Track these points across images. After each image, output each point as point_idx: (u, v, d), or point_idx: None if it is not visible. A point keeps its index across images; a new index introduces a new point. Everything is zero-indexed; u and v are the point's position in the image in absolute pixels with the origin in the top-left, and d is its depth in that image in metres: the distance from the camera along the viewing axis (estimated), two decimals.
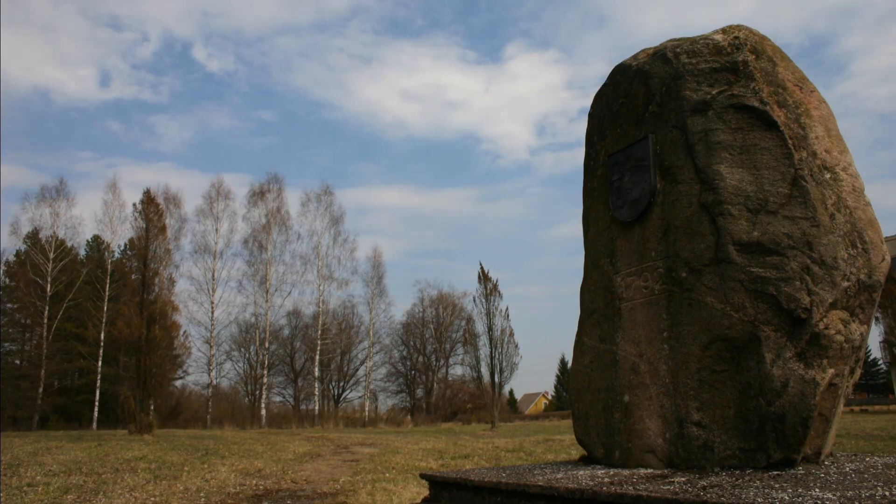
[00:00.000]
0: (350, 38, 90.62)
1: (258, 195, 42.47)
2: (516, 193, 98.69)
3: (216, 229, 40.95)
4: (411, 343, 60.53)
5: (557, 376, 71.44)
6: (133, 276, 39.88)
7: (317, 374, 43.67)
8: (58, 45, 78.27)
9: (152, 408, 33.74)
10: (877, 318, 31.21)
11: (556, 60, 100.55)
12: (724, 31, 4.05)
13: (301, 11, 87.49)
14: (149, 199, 38.90)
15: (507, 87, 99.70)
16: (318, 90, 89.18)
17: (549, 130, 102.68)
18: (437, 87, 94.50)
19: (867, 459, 3.72)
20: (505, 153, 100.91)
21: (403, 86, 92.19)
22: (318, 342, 43.10)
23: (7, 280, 40.80)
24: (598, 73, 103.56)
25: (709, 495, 2.69)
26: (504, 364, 33.74)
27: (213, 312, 40.18)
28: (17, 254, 41.14)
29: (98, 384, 35.55)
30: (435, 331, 60.35)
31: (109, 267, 38.11)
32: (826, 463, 3.54)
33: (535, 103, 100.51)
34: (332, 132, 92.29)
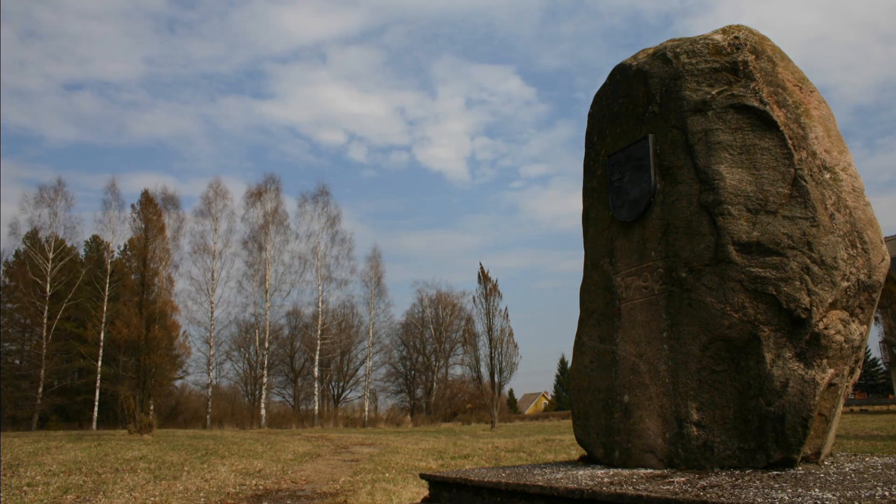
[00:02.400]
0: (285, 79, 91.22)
1: (255, 196, 42.47)
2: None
3: (215, 229, 40.98)
4: (411, 343, 60.51)
5: (557, 376, 71.44)
6: (132, 276, 39.86)
7: (316, 374, 43.64)
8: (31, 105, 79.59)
9: (152, 408, 33.72)
10: (876, 318, 31.21)
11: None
12: (723, 30, 4.05)
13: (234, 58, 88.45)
14: (147, 200, 38.88)
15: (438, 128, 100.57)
16: (268, 133, 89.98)
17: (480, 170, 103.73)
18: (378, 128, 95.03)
19: (867, 459, 3.72)
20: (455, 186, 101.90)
21: (347, 127, 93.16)
22: (318, 342, 43.10)
23: (7, 280, 40.78)
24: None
25: (709, 495, 2.69)
26: (504, 364, 33.75)
27: (212, 312, 40.20)
28: (17, 254, 41.15)
29: (98, 384, 35.55)
30: (434, 331, 60.31)
31: (109, 267, 38.11)
32: (826, 463, 3.54)
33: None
34: (289, 172, 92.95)
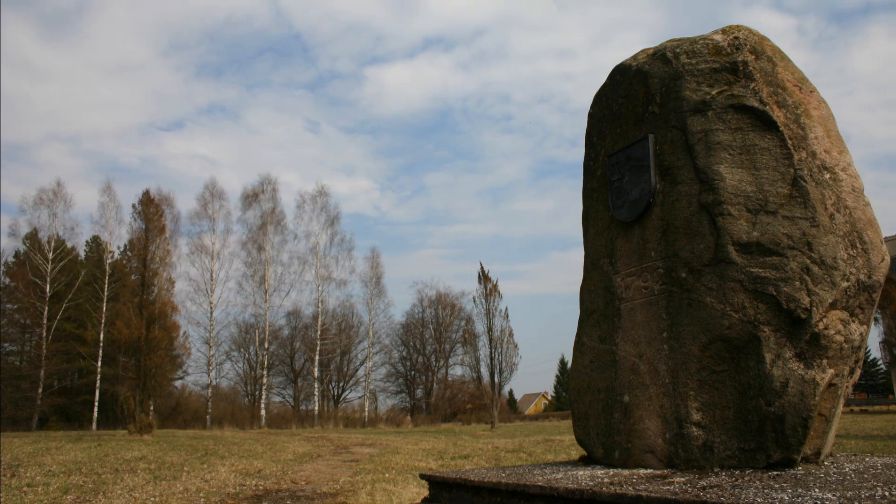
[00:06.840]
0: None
1: (252, 197, 42.41)
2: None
3: (212, 230, 40.96)
4: (411, 343, 60.46)
5: (557, 376, 71.38)
6: (133, 277, 39.83)
7: (316, 374, 43.62)
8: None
9: (152, 408, 33.71)
10: (876, 319, 31.20)
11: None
12: (723, 31, 4.05)
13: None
14: (148, 200, 38.86)
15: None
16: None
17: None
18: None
19: (867, 459, 3.72)
20: None
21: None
22: (318, 342, 43.08)
23: (7, 280, 40.75)
24: None
25: (709, 495, 2.69)
26: (504, 364, 33.82)
27: (211, 313, 40.19)
28: (17, 254, 41.12)
29: (98, 384, 35.52)
30: (434, 331, 60.29)
31: (108, 268, 38.07)
32: (826, 463, 3.54)
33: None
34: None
